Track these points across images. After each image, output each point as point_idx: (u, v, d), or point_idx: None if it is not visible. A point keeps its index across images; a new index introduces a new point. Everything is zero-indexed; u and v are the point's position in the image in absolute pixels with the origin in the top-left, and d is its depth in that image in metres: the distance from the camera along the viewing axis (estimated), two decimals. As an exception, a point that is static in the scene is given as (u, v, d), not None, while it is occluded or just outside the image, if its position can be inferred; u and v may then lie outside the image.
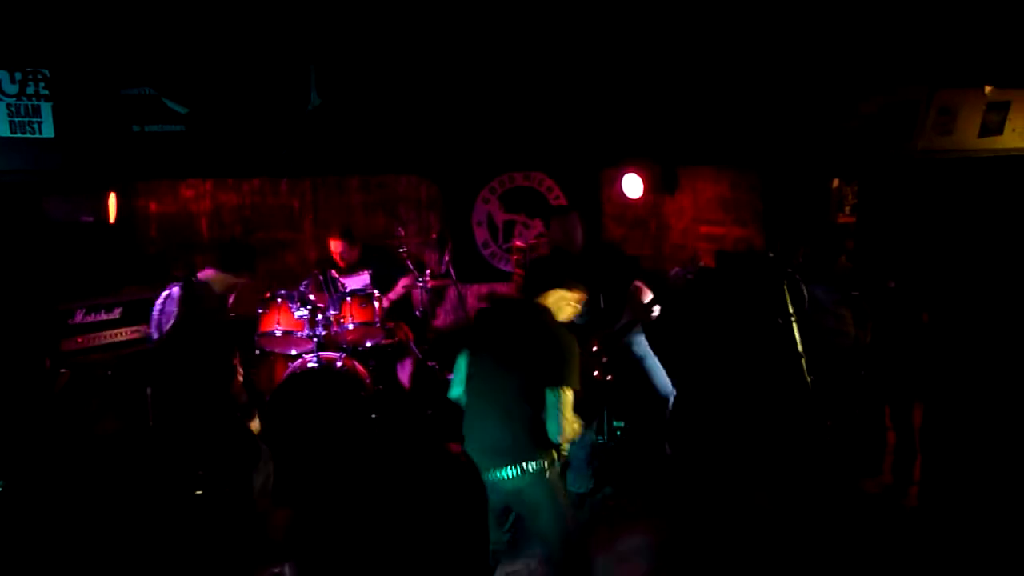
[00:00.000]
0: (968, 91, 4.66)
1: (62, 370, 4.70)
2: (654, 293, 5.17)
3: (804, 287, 4.40)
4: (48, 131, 3.24)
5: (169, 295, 4.08)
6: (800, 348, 4.12)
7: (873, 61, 4.45)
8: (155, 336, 4.03)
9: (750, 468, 5.20)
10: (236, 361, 4.21)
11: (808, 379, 4.10)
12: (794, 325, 4.17)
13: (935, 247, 5.04)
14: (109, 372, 5.06)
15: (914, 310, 4.98)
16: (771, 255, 4.37)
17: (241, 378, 4.16)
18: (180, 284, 4.12)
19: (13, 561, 3.49)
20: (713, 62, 5.09)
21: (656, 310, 5.01)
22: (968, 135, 4.70)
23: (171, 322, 3.93)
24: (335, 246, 6.05)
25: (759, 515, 4.70)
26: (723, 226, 6.96)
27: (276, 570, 4.14)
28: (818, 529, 4.40)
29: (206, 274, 4.26)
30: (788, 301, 4.21)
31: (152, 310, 4.17)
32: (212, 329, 3.88)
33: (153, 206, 6.52)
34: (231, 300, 5.13)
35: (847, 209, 6.44)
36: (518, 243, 7.05)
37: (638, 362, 5.18)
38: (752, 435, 5.45)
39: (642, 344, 5.22)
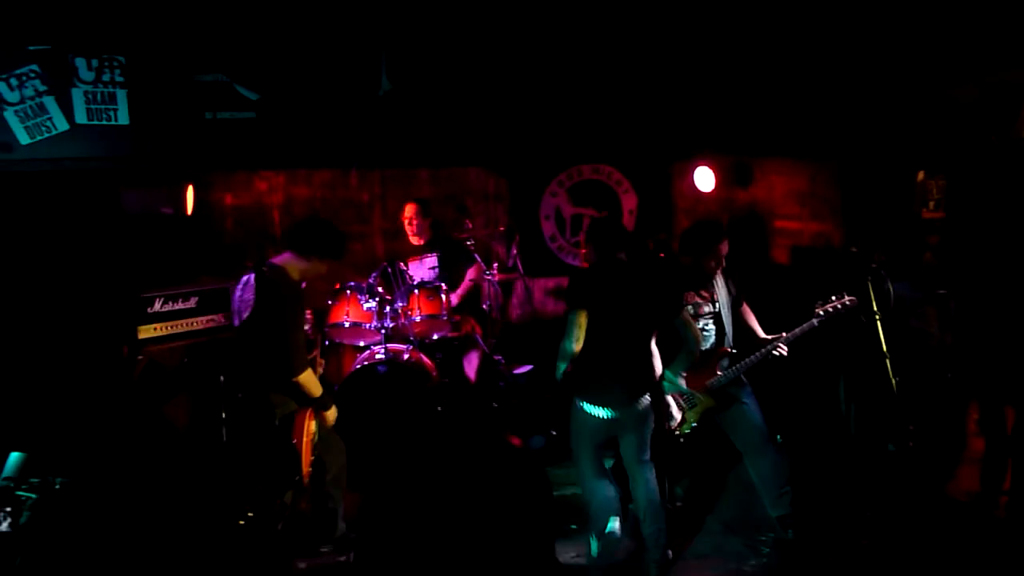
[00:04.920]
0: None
1: (139, 357, 4.83)
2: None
3: (890, 284, 4.20)
4: (123, 118, 3.30)
5: (247, 281, 3.96)
6: (885, 348, 3.92)
7: (969, 42, 4.19)
8: (235, 323, 4.05)
9: (835, 472, 5.01)
10: (316, 353, 4.25)
11: (893, 380, 3.90)
12: (879, 324, 3.97)
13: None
14: (185, 360, 5.19)
15: (1005, 310, 4.71)
16: (854, 251, 4.17)
17: (320, 369, 4.18)
18: (259, 269, 3.97)
19: (76, 551, 3.59)
20: (791, 46, 4.90)
21: (783, 348, 4.29)
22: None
23: (248, 311, 3.93)
24: (409, 211, 6.00)
25: (847, 520, 4.52)
26: (800, 221, 6.72)
27: (342, 559, 4.18)
28: (908, 537, 4.21)
29: (283, 258, 3.99)
30: (872, 299, 4.01)
31: (232, 297, 4.11)
32: (286, 318, 3.83)
33: (228, 199, 6.66)
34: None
35: (931, 204, 6.13)
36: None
37: (741, 404, 4.37)
38: (836, 437, 5.25)
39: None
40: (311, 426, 3.94)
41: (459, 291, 6.00)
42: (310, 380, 3.91)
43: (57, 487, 3.40)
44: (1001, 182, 4.77)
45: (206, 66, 3.37)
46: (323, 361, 4.23)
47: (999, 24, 4.04)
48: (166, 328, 5.21)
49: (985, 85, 4.28)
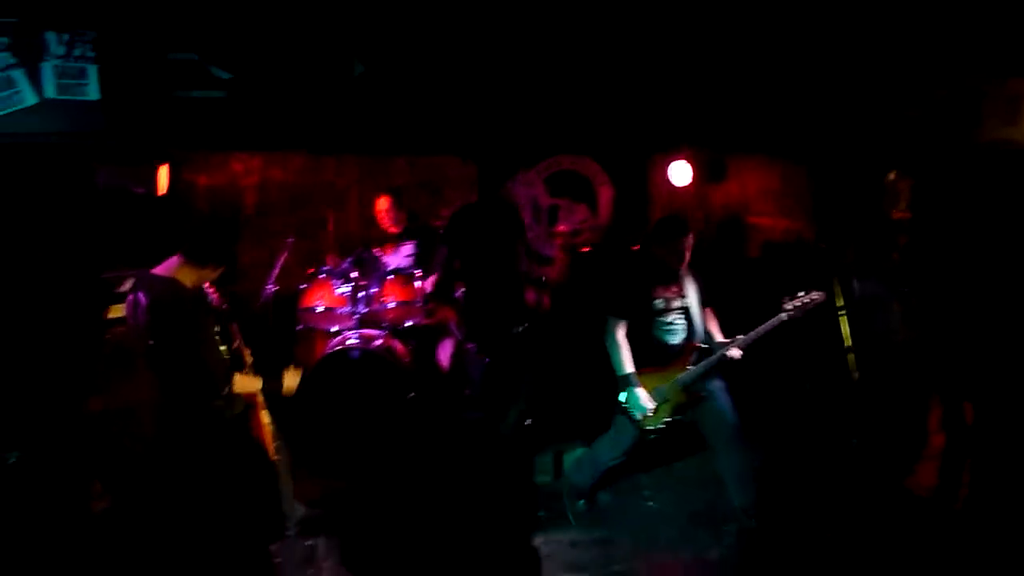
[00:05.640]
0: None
1: (107, 337, 4.78)
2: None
3: (856, 281, 4.26)
4: (94, 94, 3.24)
5: (136, 303, 3.39)
6: (848, 343, 3.99)
7: (935, 48, 4.27)
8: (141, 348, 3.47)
9: (794, 464, 5.10)
10: (238, 342, 3.86)
11: (855, 375, 3.97)
12: (843, 320, 4.04)
13: (995, 243, 4.84)
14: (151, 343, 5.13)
15: (967, 308, 4.81)
16: (822, 247, 4.23)
17: (249, 359, 3.82)
18: (144, 287, 3.40)
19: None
20: (767, 48, 4.95)
21: (736, 351, 4.30)
22: (1036, 126, 4.51)
23: (150, 335, 3.36)
24: (382, 203, 5.97)
25: (810, 512, 4.60)
26: (772, 217, 6.81)
27: (308, 543, 4.18)
28: (869, 529, 4.29)
29: (172, 266, 3.43)
30: (838, 294, 4.07)
31: (127, 317, 3.54)
32: (197, 338, 3.35)
33: (203, 179, 6.60)
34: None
35: (902, 204, 6.23)
36: (562, 227, 6.99)
37: (712, 399, 4.41)
38: (802, 430, 5.33)
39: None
40: (265, 416, 3.75)
41: (433, 278, 6.00)
42: (241, 383, 3.59)
43: (12, 462, 3.32)
44: (964, 184, 4.87)
45: (178, 44, 3.33)
46: (249, 350, 3.87)
47: (963, 33, 4.12)
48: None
49: (950, 90, 4.36)
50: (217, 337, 3.52)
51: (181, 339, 3.31)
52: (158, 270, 3.43)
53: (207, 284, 3.58)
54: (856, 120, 5.24)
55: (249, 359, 3.78)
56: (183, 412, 3.44)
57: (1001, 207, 4.75)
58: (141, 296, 3.38)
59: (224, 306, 3.71)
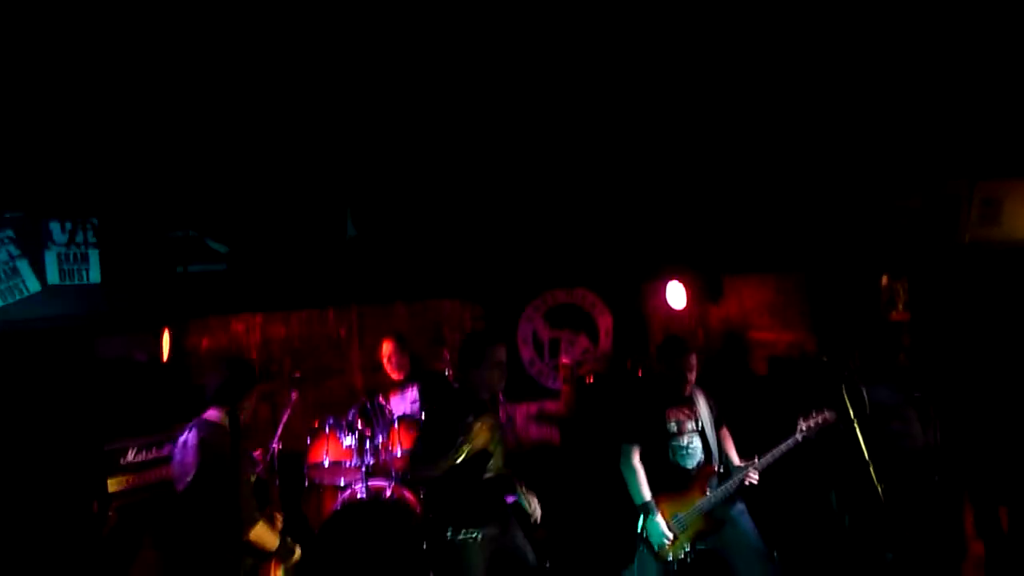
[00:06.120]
0: (1011, 181, 4.60)
1: (109, 513, 4.66)
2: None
3: (864, 390, 4.24)
4: (95, 277, 3.35)
5: (185, 444, 3.68)
6: (866, 455, 3.91)
7: (909, 156, 4.44)
8: (179, 488, 3.71)
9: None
10: (274, 507, 4.02)
11: (879, 487, 3.86)
12: (857, 430, 3.97)
13: (995, 340, 4.84)
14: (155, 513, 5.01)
15: (986, 408, 4.74)
16: (825, 359, 4.24)
17: (279, 523, 3.91)
18: (194, 429, 3.69)
19: None
20: (750, 168, 5.12)
21: (754, 475, 4.30)
22: (1017, 224, 4.61)
23: (191, 475, 3.62)
24: (387, 348, 6.03)
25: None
26: (772, 331, 6.83)
27: None
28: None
29: (211, 415, 3.75)
30: (848, 406, 4.03)
31: (173, 460, 3.81)
32: (235, 479, 3.54)
33: (205, 342, 6.65)
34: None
35: (900, 306, 6.27)
36: (564, 360, 6.98)
37: (734, 523, 4.33)
38: (833, 549, 5.13)
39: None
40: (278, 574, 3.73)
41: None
42: (263, 534, 3.67)
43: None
44: (954, 283, 4.94)
45: (176, 222, 3.46)
46: (281, 515, 3.97)
47: (939, 142, 4.31)
48: (139, 479, 5.05)
49: (930, 196, 4.51)
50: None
51: (220, 477, 3.50)
52: (207, 416, 3.73)
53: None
54: (843, 230, 5.36)
55: (280, 523, 3.89)
56: (205, 550, 3.57)
57: (994, 303, 4.80)
58: (191, 436, 3.65)
59: (263, 471, 3.96)
